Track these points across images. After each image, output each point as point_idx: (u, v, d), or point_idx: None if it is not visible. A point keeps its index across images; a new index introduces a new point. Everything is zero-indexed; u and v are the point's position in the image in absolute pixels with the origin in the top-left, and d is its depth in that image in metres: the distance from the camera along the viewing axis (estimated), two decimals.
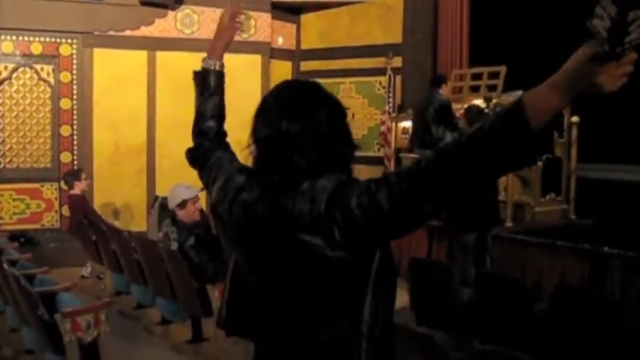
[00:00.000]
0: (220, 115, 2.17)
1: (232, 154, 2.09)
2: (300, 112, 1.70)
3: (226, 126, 2.19)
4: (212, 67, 2.17)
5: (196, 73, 2.20)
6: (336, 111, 1.76)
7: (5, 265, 4.54)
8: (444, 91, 7.92)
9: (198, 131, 2.15)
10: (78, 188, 7.75)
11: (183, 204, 5.58)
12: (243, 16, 2.26)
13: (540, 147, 1.38)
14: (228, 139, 2.17)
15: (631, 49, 1.24)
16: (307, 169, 1.66)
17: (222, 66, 2.19)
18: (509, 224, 7.20)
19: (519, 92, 7.55)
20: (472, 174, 1.44)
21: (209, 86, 2.15)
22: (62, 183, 8.50)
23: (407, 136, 8.82)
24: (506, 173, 1.49)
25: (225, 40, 2.22)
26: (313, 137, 1.67)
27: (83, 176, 7.86)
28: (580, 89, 1.31)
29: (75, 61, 9.08)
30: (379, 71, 9.99)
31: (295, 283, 1.68)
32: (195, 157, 2.13)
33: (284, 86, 1.81)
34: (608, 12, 1.21)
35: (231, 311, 1.89)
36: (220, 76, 2.18)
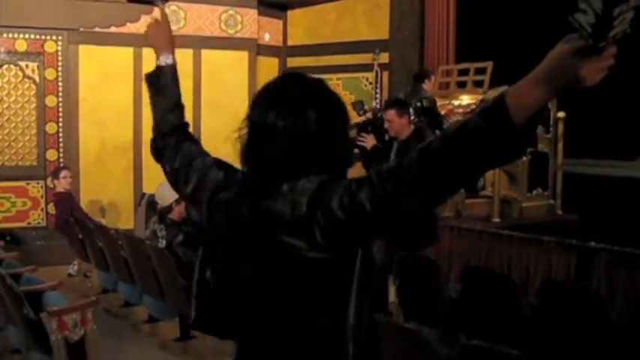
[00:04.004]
0: (180, 106, 2.11)
1: (200, 145, 2.04)
2: (288, 106, 1.67)
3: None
4: (165, 64, 2.11)
5: (148, 76, 2.13)
6: (332, 111, 1.72)
7: None
8: (428, 87, 7.90)
9: (160, 123, 2.08)
10: (60, 186, 7.71)
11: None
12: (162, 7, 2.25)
13: (525, 142, 1.37)
14: (190, 130, 2.11)
15: (612, 43, 1.25)
16: (286, 167, 1.64)
17: (173, 59, 2.13)
18: (496, 220, 7.22)
19: (505, 88, 7.58)
20: (457, 171, 1.42)
21: (165, 82, 2.09)
22: (48, 181, 8.48)
23: None
24: (491, 169, 1.49)
25: (165, 33, 2.15)
26: (297, 135, 1.65)
27: (62, 174, 7.79)
28: (561, 83, 1.31)
29: (60, 58, 9.01)
30: (366, 67, 9.97)
31: (276, 283, 1.66)
32: (160, 149, 2.06)
33: (282, 78, 1.78)
34: (593, 7, 1.21)
35: (206, 311, 1.86)
36: (174, 69, 2.12)
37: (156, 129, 2.11)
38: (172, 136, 2.05)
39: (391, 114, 5.61)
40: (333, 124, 1.72)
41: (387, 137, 5.98)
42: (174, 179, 2.01)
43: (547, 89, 1.32)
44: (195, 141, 2.07)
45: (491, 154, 1.39)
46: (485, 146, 1.37)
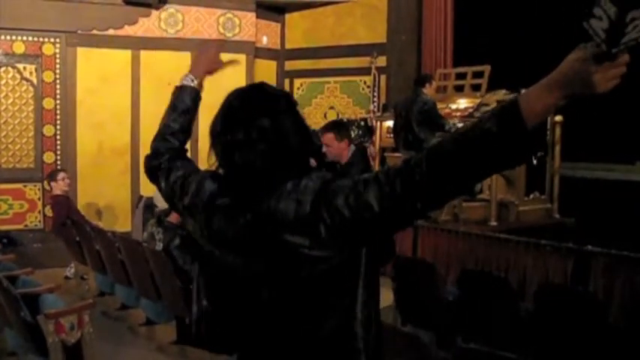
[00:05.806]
0: (188, 132, 2.16)
1: (193, 163, 2.07)
2: (241, 120, 1.69)
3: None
4: (189, 84, 2.17)
5: (176, 88, 2.19)
6: (282, 109, 1.73)
7: None
8: (428, 91, 7.91)
9: (161, 138, 2.13)
10: (57, 188, 7.69)
11: None
12: (235, 61, 2.29)
13: (535, 145, 1.40)
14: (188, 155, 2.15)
15: (625, 51, 1.27)
16: (265, 168, 1.66)
17: (200, 85, 2.19)
18: (493, 223, 7.23)
19: (503, 91, 7.61)
20: (466, 173, 1.44)
21: (183, 102, 2.14)
22: (45, 183, 8.48)
23: (392, 135, 8.82)
24: (500, 171, 1.51)
25: (208, 69, 2.26)
26: (261, 140, 1.66)
27: (59, 176, 7.77)
28: (575, 89, 1.33)
29: (58, 61, 9.02)
30: (364, 71, 10.01)
31: (281, 285, 1.67)
32: (154, 167, 2.10)
33: (227, 100, 1.79)
34: (607, 13, 1.23)
35: (212, 323, 1.87)
36: (196, 94, 2.18)
37: (153, 146, 2.14)
38: (166, 155, 2.09)
39: (329, 137, 5.09)
40: (289, 120, 1.73)
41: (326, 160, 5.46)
42: (171, 193, 2.01)
43: (560, 95, 1.35)
44: (188, 159, 2.10)
45: (502, 156, 1.41)
46: (496, 148, 1.39)
